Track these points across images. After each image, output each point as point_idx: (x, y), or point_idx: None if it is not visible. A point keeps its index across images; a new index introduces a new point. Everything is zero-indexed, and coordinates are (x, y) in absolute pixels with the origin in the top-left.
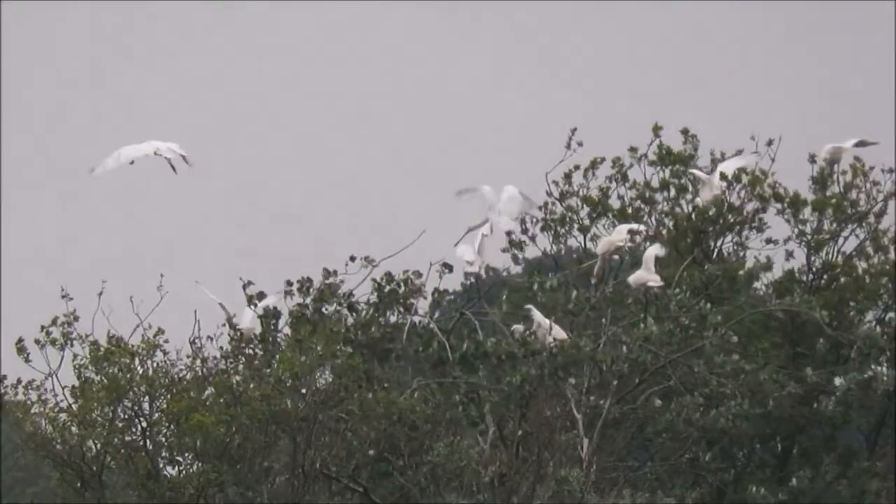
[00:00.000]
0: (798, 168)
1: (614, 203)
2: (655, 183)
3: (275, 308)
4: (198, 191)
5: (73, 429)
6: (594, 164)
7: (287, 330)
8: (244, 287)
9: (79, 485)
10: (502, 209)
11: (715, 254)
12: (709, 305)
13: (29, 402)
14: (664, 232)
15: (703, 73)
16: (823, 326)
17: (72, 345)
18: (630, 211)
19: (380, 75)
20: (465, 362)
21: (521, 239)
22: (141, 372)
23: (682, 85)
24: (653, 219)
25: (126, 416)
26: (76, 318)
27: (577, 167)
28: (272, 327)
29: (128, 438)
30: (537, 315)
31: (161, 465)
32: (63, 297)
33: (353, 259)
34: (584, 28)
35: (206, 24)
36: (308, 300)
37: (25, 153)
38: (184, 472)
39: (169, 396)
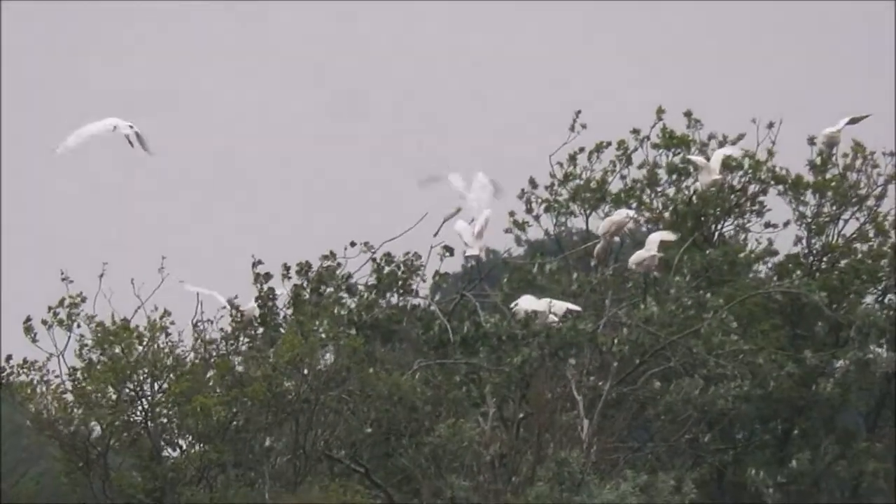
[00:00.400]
0: (799, 151)
1: (616, 186)
2: (662, 166)
3: (272, 289)
4: (199, 179)
5: (77, 410)
6: (599, 148)
7: (287, 311)
8: (254, 265)
9: (82, 464)
10: (474, 198)
11: (716, 236)
12: (708, 295)
13: (34, 382)
14: (666, 215)
15: (704, 56)
16: (822, 308)
17: (79, 325)
18: (636, 193)
19: (379, 60)
20: (466, 344)
21: (524, 220)
22: (145, 353)
23: (684, 68)
24: (657, 202)
25: (129, 397)
26: (83, 300)
27: (581, 149)
28: (272, 308)
29: (131, 419)
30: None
31: (163, 446)
32: (63, 279)
33: (352, 244)
34: (585, 8)
35: (211, 20)
36: (305, 282)
37: (25, 136)
38: (185, 453)
39: (172, 377)
